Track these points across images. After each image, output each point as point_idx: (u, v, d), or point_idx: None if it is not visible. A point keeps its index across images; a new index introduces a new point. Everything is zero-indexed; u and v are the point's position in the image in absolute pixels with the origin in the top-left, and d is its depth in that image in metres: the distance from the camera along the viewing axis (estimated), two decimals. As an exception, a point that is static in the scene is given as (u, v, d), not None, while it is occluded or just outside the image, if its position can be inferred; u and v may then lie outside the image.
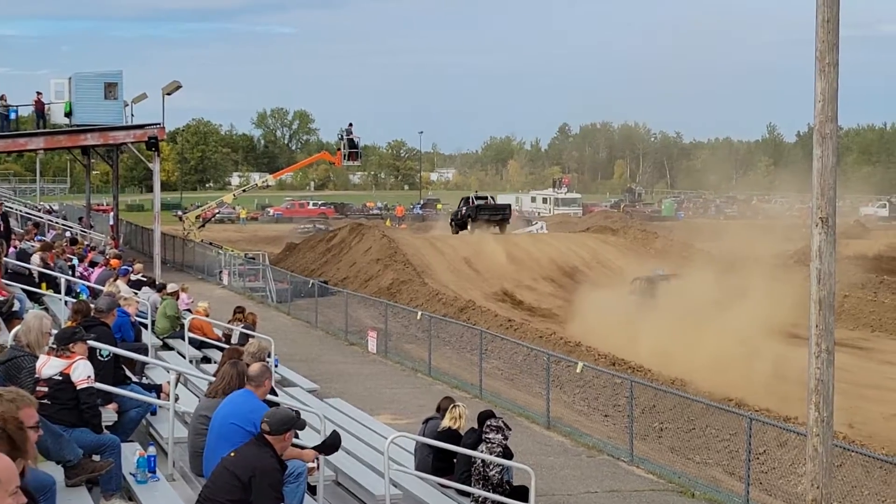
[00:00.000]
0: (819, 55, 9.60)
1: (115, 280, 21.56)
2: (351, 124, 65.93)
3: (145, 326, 19.36)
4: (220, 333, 22.52)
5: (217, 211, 75.62)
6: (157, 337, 20.91)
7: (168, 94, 45.85)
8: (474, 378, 26.81)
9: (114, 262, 26.18)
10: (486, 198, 75.52)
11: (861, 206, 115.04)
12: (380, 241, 55.55)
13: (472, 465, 12.97)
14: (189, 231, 61.07)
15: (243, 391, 10.40)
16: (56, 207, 75.72)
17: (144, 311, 20.16)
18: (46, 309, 19.22)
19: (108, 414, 11.52)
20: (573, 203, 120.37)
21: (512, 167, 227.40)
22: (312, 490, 10.92)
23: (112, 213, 62.19)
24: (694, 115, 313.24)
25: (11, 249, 24.16)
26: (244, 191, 77.72)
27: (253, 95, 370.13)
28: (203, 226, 64.76)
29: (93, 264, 27.68)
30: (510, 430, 13.62)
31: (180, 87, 46.24)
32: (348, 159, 66.40)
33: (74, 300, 17.39)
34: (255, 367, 10.68)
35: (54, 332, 11.00)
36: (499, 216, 69.58)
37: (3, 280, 18.62)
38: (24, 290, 19.75)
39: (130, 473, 10.40)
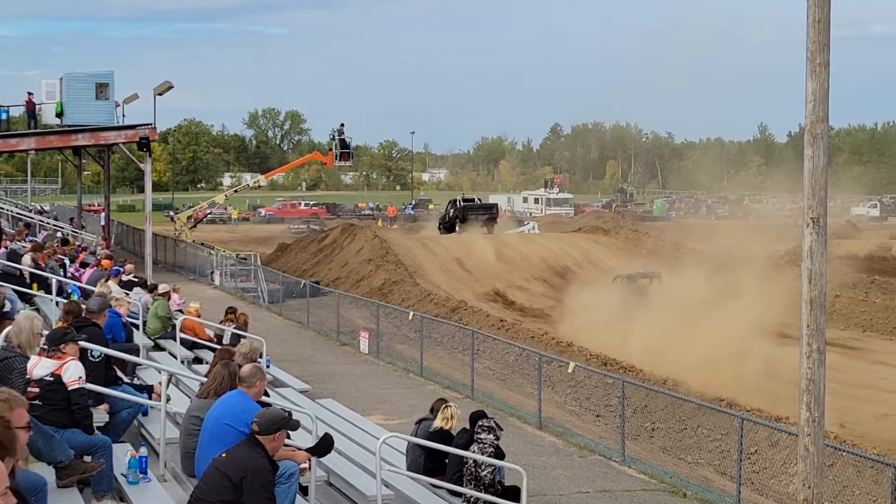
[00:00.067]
0: (810, 55, 9.62)
1: (106, 280, 21.55)
2: (342, 124, 65.96)
3: (137, 327, 19.34)
4: (211, 334, 22.49)
5: (209, 211, 75.58)
6: (149, 337, 20.89)
7: (159, 94, 45.78)
8: (466, 378, 26.82)
9: (105, 262, 26.16)
10: (472, 199, 75.96)
11: (852, 206, 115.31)
12: (371, 242, 55.56)
13: (463, 466, 12.97)
14: (180, 231, 61.01)
15: (236, 392, 10.40)
16: (47, 208, 75.49)
17: (136, 311, 20.13)
18: (37, 310, 19.20)
19: (100, 415, 11.51)
20: (565, 203, 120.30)
21: (503, 167, 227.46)
22: (304, 490, 10.91)
23: (103, 214, 62.17)
24: (685, 116, 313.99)
25: (2, 250, 24.11)
26: (236, 191, 77.73)
27: (244, 96, 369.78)
28: (194, 226, 64.74)
29: (84, 265, 27.62)
30: (502, 430, 13.63)
31: (172, 87, 46.16)
32: (340, 160, 66.41)
33: (66, 301, 17.37)
34: (246, 368, 10.68)
35: (45, 332, 10.98)
36: (486, 215, 69.98)
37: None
38: (15, 290, 19.69)
39: (122, 474, 10.39)
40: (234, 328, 22.12)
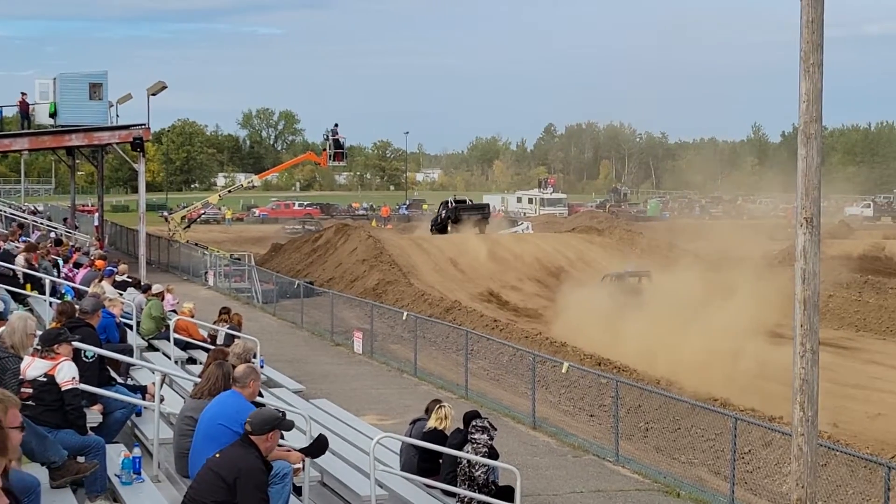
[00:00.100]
0: (804, 55, 9.62)
1: (99, 281, 21.52)
2: (336, 125, 66.05)
3: (130, 327, 19.30)
4: (205, 334, 22.47)
5: (202, 212, 75.63)
6: (143, 338, 20.87)
7: (153, 94, 45.69)
8: (460, 378, 26.82)
9: (99, 262, 26.12)
10: (464, 200, 76.15)
11: (846, 206, 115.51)
12: (365, 242, 55.55)
13: (457, 466, 12.96)
14: (174, 232, 60.96)
15: (231, 392, 10.39)
16: (41, 208, 75.53)
17: (129, 311, 20.11)
18: (31, 310, 19.20)
19: (93, 415, 11.50)
20: (559, 203, 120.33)
21: (497, 167, 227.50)
22: (298, 491, 10.91)
23: (97, 214, 62.06)
24: (679, 116, 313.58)
25: (-5, 250, 24.07)
26: (230, 191, 77.58)
27: (238, 96, 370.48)
28: (188, 226, 64.70)
29: (77, 265, 27.58)
30: (496, 430, 13.62)
31: (165, 87, 46.07)
32: (334, 160, 66.42)
33: (59, 301, 17.34)
34: (240, 369, 10.67)
35: (39, 333, 10.97)
36: (478, 216, 70.16)
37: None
38: (8, 291, 19.71)
39: (115, 475, 10.39)
40: (228, 328, 22.12)
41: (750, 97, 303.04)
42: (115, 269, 24.84)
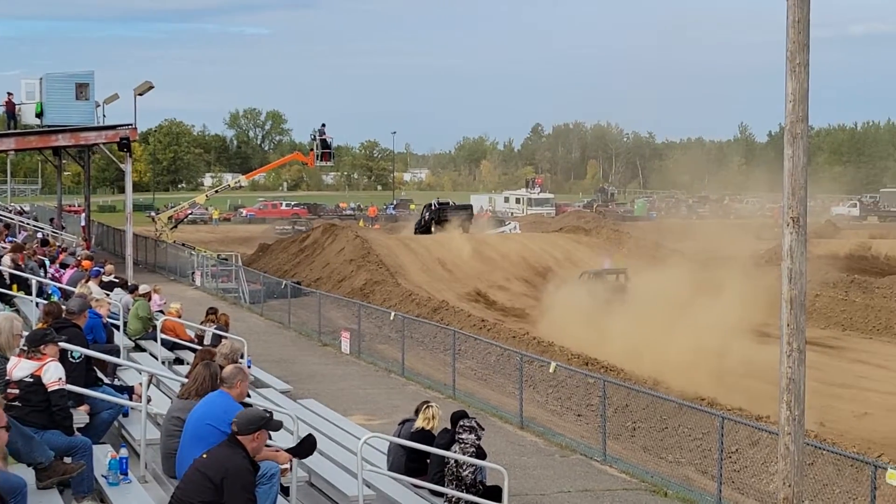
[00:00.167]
0: (790, 55, 9.64)
1: (86, 281, 21.45)
2: (324, 125, 65.88)
3: (117, 328, 19.25)
4: (192, 335, 22.43)
5: (189, 212, 75.41)
6: (129, 338, 20.80)
7: (140, 94, 45.57)
8: (447, 378, 26.83)
9: (85, 263, 26.03)
10: (447, 203, 76.84)
11: (832, 205, 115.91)
12: (353, 242, 55.51)
13: (445, 466, 12.96)
14: (161, 232, 60.81)
15: (218, 392, 10.38)
16: (27, 208, 75.39)
17: (116, 312, 20.04)
18: (17, 310, 19.14)
19: (80, 416, 11.48)
20: (546, 203, 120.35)
21: (485, 167, 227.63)
22: (286, 491, 10.89)
23: (84, 214, 61.95)
24: (666, 116, 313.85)
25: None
26: (217, 191, 77.35)
27: (225, 96, 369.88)
28: (175, 227, 64.53)
29: (64, 265, 27.50)
30: (483, 430, 13.62)
31: (152, 87, 45.95)
32: (321, 160, 66.35)
33: (46, 302, 17.29)
34: (228, 369, 10.66)
35: (25, 333, 10.93)
36: (462, 215, 70.82)
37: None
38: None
39: (102, 475, 10.36)
40: (215, 329, 22.09)
41: (737, 97, 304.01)
42: (101, 270, 24.77)
